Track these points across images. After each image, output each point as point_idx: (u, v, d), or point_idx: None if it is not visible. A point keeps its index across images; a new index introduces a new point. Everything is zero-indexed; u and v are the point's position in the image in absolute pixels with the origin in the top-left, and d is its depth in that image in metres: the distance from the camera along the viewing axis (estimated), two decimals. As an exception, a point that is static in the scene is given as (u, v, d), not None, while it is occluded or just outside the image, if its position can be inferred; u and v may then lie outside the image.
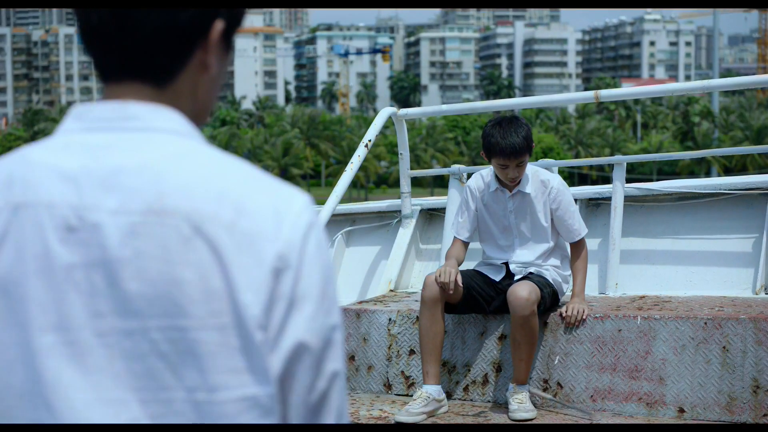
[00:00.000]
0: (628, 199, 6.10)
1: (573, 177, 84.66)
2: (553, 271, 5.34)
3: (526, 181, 5.32)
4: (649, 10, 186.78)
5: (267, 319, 1.39)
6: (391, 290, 6.36)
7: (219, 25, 1.48)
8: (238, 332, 1.38)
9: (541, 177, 5.34)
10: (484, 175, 5.47)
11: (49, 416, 1.38)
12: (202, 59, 1.49)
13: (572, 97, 6.24)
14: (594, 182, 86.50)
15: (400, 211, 6.74)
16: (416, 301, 5.89)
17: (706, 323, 4.94)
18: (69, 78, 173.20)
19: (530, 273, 5.29)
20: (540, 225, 5.33)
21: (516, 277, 5.29)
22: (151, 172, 1.40)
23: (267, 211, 1.41)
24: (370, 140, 6.25)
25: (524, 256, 5.35)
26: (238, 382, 1.39)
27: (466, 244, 5.47)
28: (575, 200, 6.19)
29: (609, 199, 6.13)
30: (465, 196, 5.52)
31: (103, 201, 1.39)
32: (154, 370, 1.38)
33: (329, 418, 1.45)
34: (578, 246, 5.37)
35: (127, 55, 1.46)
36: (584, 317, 5.21)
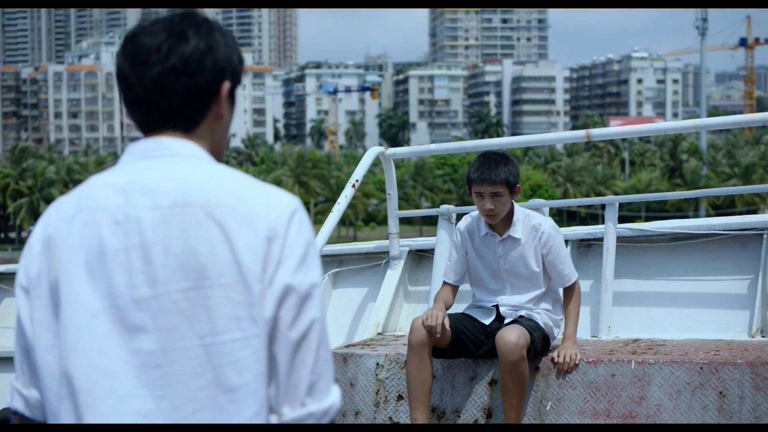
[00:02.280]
0: (621, 239, 5.99)
1: (562, 214, 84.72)
2: (545, 314, 5.21)
3: (516, 226, 5.19)
4: (636, 47, 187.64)
5: (263, 273, 1.94)
6: (379, 333, 6.23)
7: (227, 85, 2.11)
8: (241, 288, 1.94)
9: (532, 222, 5.22)
10: (475, 217, 5.34)
11: (103, 353, 1.96)
12: (216, 111, 2.11)
13: (563, 136, 6.14)
14: (583, 220, 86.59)
15: (388, 252, 6.61)
16: (404, 344, 5.75)
17: (702, 368, 4.81)
18: (58, 116, 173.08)
19: (520, 316, 5.16)
20: (531, 270, 5.20)
21: (506, 320, 5.17)
22: (176, 181, 2.00)
23: (260, 200, 1.99)
24: (357, 180, 6.14)
25: (515, 299, 5.23)
26: (238, 326, 1.94)
27: (455, 287, 5.36)
28: (566, 241, 6.08)
29: (601, 239, 6.02)
30: (455, 239, 5.40)
31: (143, 201, 1.99)
32: (174, 323, 1.94)
33: (309, 355, 1.97)
34: (570, 290, 5.25)
35: (164, 114, 2.07)
36: (577, 362, 5.08)
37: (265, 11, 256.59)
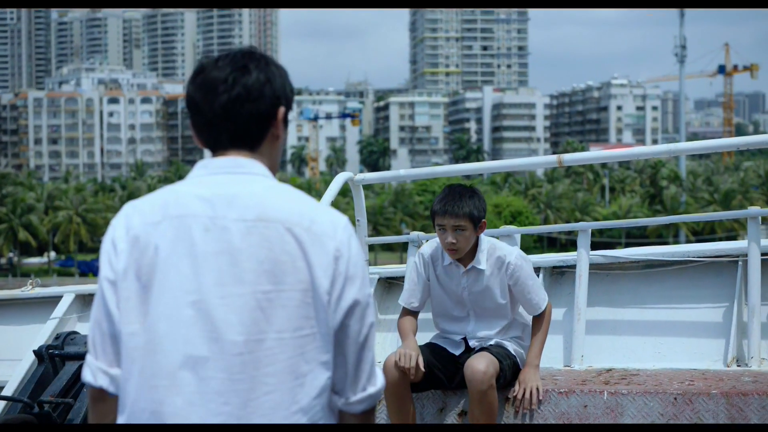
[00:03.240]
0: (594, 266, 5.86)
1: (542, 241, 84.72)
2: (515, 342, 5.08)
3: (482, 257, 5.01)
4: (615, 74, 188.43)
5: (331, 287, 2.40)
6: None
7: (282, 110, 2.55)
8: (313, 294, 2.39)
9: (497, 253, 5.03)
10: (439, 246, 5.13)
11: (190, 340, 2.35)
12: (274, 132, 2.55)
13: (536, 161, 6.01)
14: (563, 246, 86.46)
15: (357, 279, 6.47)
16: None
17: (675, 398, 4.69)
18: (38, 141, 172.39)
19: (489, 345, 5.02)
20: (496, 302, 5.04)
21: (475, 350, 5.03)
22: (255, 197, 2.42)
23: (327, 221, 2.43)
24: (325, 206, 6.00)
25: (482, 331, 5.08)
26: (308, 324, 2.39)
27: (416, 313, 5.20)
28: (537, 269, 5.95)
29: (573, 267, 5.89)
30: (417, 264, 5.18)
31: (228, 213, 2.40)
32: (256, 319, 2.36)
33: (369, 353, 2.47)
34: (540, 316, 5.08)
35: (231, 135, 2.50)
36: (539, 398, 4.92)
37: (246, 36, 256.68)
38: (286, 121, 2.60)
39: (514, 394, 4.94)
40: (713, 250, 5.74)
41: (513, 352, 5.02)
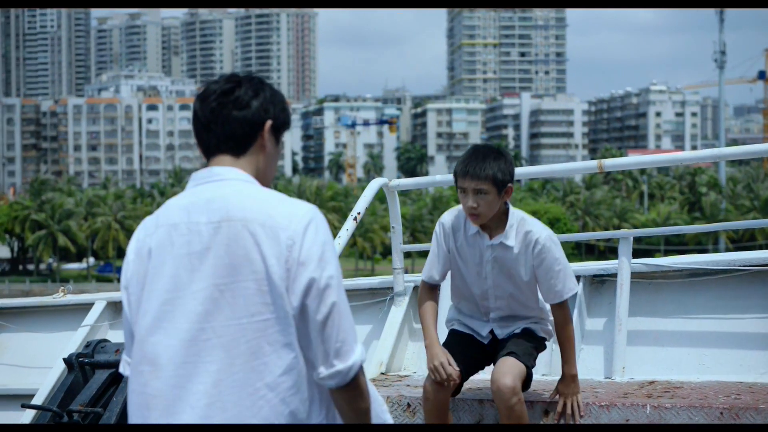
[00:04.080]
0: (635, 275, 5.67)
1: (580, 248, 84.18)
2: (541, 324, 4.82)
3: (511, 232, 4.63)
4: (654, 80, 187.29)
5: (286, 273, 2.67)
6: (382, 373, 5.93)
7: (269, 122, 2.85)
8: (268, 283, 2.67)
9: (527, 228, 4.62)
10: (463, 214, 4.73)
11: (167, 330, 2.71)
12: (261, 142, 2.84)
13: (576, 167, 5.82)
14: (601, 253, 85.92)
15: (392, 288, 6.33)
16: (408, 385, 5.48)
17: (722, 413, 4.50)
18: (77, 148, 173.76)
19: (516, 333, 4.74)
20: (520, 281, 4.65)
21: (501, 338, 4.78)
22: (224, 200, 2.73)
23: (284, 214, 2.71)
24: (359, 213, 5.87)
25: (502, 309, 4.75)
26: (266, 310, 2.67)
27: (436, 287, 4.84)
28: (577, 277, 5.77)
29: (614, 275, 5.71)
30: (437, 235, 4.77)
31: (200, 217, 2.74)
32: (220, 308, 2.68)
33: (332, 330, 2.70)
34: (561, 309, 4.68)
35: (218, 138, 2.83)
36: (582, 413, 4.70)
37: (284, 43, 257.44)
38: (277, 138, 2.90)
39: (556, 409, 4.73)
40: (759, 258, 5.52)
41: (542, 333, 4.78)
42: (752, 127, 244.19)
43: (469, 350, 4.78)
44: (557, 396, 4.76)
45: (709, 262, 5.65)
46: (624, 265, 5.57)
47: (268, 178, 2.88)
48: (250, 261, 2.68)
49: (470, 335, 4.83)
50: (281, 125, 2.90)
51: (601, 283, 5.94)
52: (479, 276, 4.71)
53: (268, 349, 2.67)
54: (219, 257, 2.70)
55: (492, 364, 4.76)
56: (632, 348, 5.53)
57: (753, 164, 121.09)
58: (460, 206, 4.72)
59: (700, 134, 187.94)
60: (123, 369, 2.94)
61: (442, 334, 4.88)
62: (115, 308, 7.27)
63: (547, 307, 4.79)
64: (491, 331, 4.81)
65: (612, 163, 5.65)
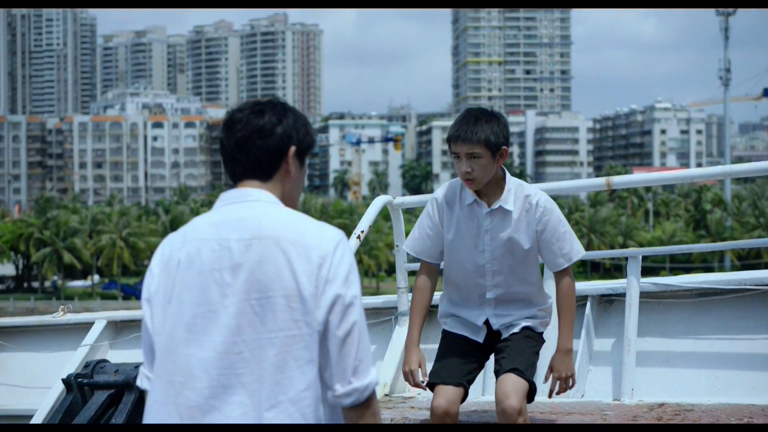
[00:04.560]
0: (644, 295, 5.56)
1: (585, 265, 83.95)
2: (539, 317, 4.63)
3: (509, 197, 4.46)
4: (659, 98, 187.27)
5: (315, 290, 2.75)
6: (386, 395, 5.82)
7: (292, 149, 2.95)
8: (298, 299, 2.75)
9: (525, 192, 4.49)
10: (457, 185, 4.59)
11: (200, 343, 2.78)
12: (285, 168, 2.95)
13: (583, 184, 5.71)
14: (607, 270, 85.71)
15: (396, 307, 6.22)
16: (412, 407, 5.37)
17: (734, 437, 4.39)
18: (83, 165, 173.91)
19: (515, 333, 4.55)
20: (521, 250, 4.47)
21: (502, 336, 4.59)
22: (255, 219, 2.83)
23: (314, 234, 2.81)
24: (362, 231, 5.77)
25: (499, 287, 4.55)
26: (293, 326, 2.75)
27: (433, 269, 4.66)
28: (584, 297, 5.67)
29: (623, 295, 5.60)
30: (429, 209, 4.60)
31: (231, 234, 2.83)
32: (251, 322, 2.76)
33: (352, 347, 2.76)
34: (567, 276, 4.52)
35: (245, 167, 2.94)
36: (571, 385, 4.53)
37: (289, 61, 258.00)
38: (302, 160, 3.00)
39: (545, 382, 4.56)
40: (771, 277, 5.42)
41: (541, 328, 4.62)
42: (757, 144, 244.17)
43: (465, 357, 4.60)
44: (551, 373, 4.56)
45: (720, 281, 5.54)
46: (633, 285, 5.46)
47: (294, 199, 3.00)
48: (281, 278, 2.77)
49: (464, 337, 4.64)
50: (305, 149, 3.01)
51: (609, 303, 5.83)
52: (476, 249, 4.53)
53: (293, 364, 2.76)
54: (251, 273, 2.79)
55: (493, 355, 4.64)
56: (641, 369, 5.41)
57: (758, 182, 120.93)
58: (452, 180, 4.61)
59: (705, 152, 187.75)
60: (141, 382, 2.98)
61: (436, 330, 4.75)
62: (115, 328, 7.18)
63: (541, 282, 4.65)
64: (486, 322, 4.61)
65: (620, 180, 5.55)
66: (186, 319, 2.82)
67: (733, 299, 5.49)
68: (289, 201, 2.97)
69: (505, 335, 4.59)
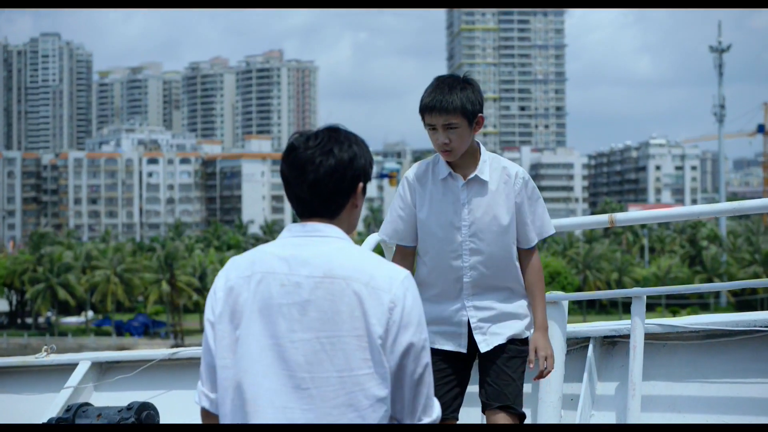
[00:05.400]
0: (649, 336, 5.31)
1: (581, 303, 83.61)
2: (525, 315, 4.39)
3: (485, 167, 4.29)
4: (654, 134, 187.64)
5: (386, 334, 2.81)
6: None
7: (361, 185, 3.00)
8: (368, 340, 2.81)
9: (502, 164, 4.32)
10: (430, 161, 4.41)
11: (267, 375, 2.82)
12: (353, 203, 3.00)
13: (587, 221, 5.46)
14: (603, 307, 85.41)
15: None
16: None
17: (746, 488, 4.15)
18: (77, 201, 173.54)
19: (500, 345, 4.30)
20: (499, 224, 4.27)
21: (480, 343, 4.32)
22: (325, 257, 2.88)
23: (385, 277, 2.86)
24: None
25: (476, 270, 4.31)
26: (366, 365, 2.80)
27: (409, 253, 4.46)
28: (587, 339, 5.44)
29: (626, 336, 5.36)
30: (400, 190, 4.41)
31: (301, 270, 2.87)
32: (320, 360, 2.81)
33: (424, 388, 2.86)
34: (533, 252, 4.38)
35: (316, 207, 2.96)
36: (551, 368, 4.37)
37: (284, 97, 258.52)
38: (365, 191, 3.02)
39: (530, 365, 4.35)
40: (782, 318, 5.18)
41: (527, 333, 4.40)
42: (752, 180, 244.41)
43: (447, 383, 4.37)
44: (536, 354, 4.35)
45: (728, 322, 5.29)
46: (637, 326, 5.20)
47: (355, 226, 3.05)
48: (353, 318, 2.81)
49: (443, 355, 4.38)
50: (369, 178, 3.05)
51: (612, 345, 5.59)
52: (452, 226, 4.30)
53: (365, 402, 2.81)
54: (322, 311, 2.83)
55: (477, 364, 4.42)
56: (647, 415, 5.17)
57: (753, 218, 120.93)
58: (425, 159, 4.43)
59: (700, 188, 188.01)
60: (200, 401, 3.01)
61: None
62: (99, 369, 6.94)
63: (519, 273, 4.41)
64: (468, 323, 4.35)
65: (623, 217, 5.31)
66: (254, 350, 2.86)
67: (742, 341, 5.26)
68: (352, 229, 3.04)
69: (488, 347, 4.34)
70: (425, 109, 4.24)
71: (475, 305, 4.36)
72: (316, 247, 2.91)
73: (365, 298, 2.83)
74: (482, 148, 4.37)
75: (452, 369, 4.39)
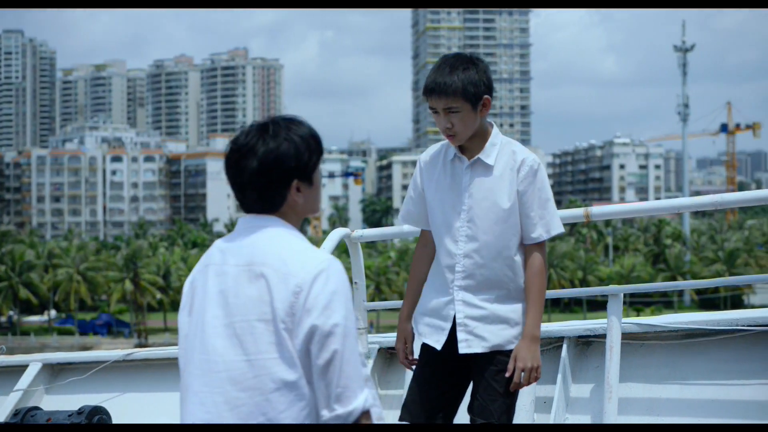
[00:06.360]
0: (626, 336, 5.06)
1: (546, 301, 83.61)
2: (513, 320, 4.07)
3: (492, 150, 4.05)
4: (618, 133, 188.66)
5: (289, 318, 2.87)
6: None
7: (295, 182, 3.02)
8: (274, 324, 2.88)
9: (513, 148, 4.08)
10: (444, 142, 4.21)
11: (193, 361, 2.99)
12: (292, 198, 3.02)
13: (562, 215, 5.14)
14: (566, 305, 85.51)
15: (355, 350, 5.72)
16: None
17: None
18: (41, 200, 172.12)
19: (484, 354, 4.03)
20: (499, 208, 4.01)
21: (461, 342, 4.04)
22: (252, 246, 2.98)
23: (298, 262, 2.91)
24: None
25: (471, 258, 4.05)
26: (272, 349, 2.88)
27: (428, 235, 4.25)
28: (560, 339, 5.21)
29: (602, 336, 5.13)
30: (415, 172, 4.25)
31: (230, 260, 3.01)
32: (234, 344, 2.91)
33: (333, 375, 2.84)
34: (541, 251, 4.08)
35: (251, 205, 3.04)
36: (536, 376, 4.04)
37: (249, 96, 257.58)
38: (311, 180, 3.05)
39: (506, 374, 4.02)
40: (766, 317, 4.95)
41: (511, 346, 4.06)
42: (714, 179, 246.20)
43: (439, 385, 4.13)
44: (515, 363, 4.02)
45: (708, 321, 5.06)
46: (614, 326, 4.96)
47: (308, 212, 3.08)
48: (262, 302, 2.89)
49: (429, 350, 4.15)
50: (311, 171, 3.06)
51: (587, 345, 5.36)
52: (454, 210, 4.07)
53: (272, 386, 2.87)
54: (239, 297, 2.93)
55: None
56: (624, 418, 4.94)
57: (716, 216, 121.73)
58: (441, 141, 4.20)
59: (663, 186, 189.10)
60: None
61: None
62: (51, 371, 6.65)
63: (520, 272, 4.10)
64: (453, 319, 4.09)
65: (599, 211, 5.06)
66: (190, 338, 3.02)
67: (722, 341, 5.03)
68: (304, 213, 3.08)
69: (468, 350, 4.06)
70: (425, 92, 4.02)
71: (465, 300, 4.09)
72: (248, 238, 3.01)
73: (274, 284, 2.89)
74: (495, 130, 4.14)
75: (436, 370, 4.16)
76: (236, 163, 3.01)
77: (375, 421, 2.94)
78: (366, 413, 2.91)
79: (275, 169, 2.98)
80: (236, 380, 2.90)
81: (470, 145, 4.10)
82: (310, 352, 2.86)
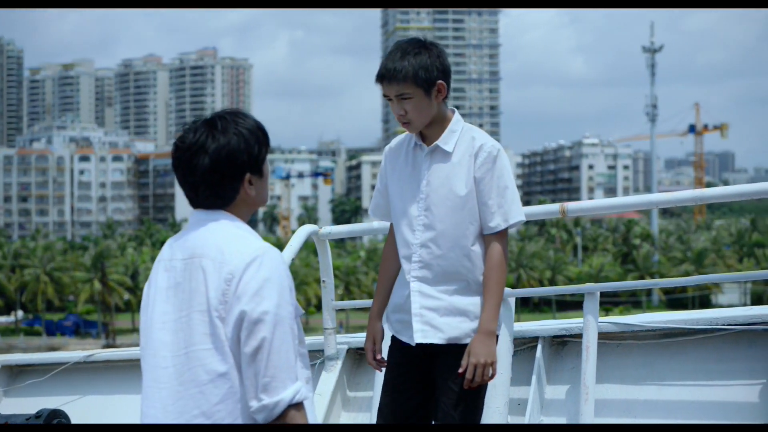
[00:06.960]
0: (602, 335, 4.92)
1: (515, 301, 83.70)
2: (471, 313, 3.90)
3: (450, 138, 3.91)
4: (587, 134, 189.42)
5: (222, 306, 2.86)
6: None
7: (247, 175, 3.02)
8: (208, 314, 2.87)
9: (473, 134, 3.92)
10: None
11: (146, 358, 2.98)
12: (245, 191, 3.02)
13: (537, 210, 5.00)
14: (536, 306, 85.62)
15: (322, 350, 5.54)
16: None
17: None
18: (7, 200, 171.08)
19: (448, 357, 3.88)
20: (455, 195, 3.86)
21: (417, 332, 3.88)
22: (195, 238, 2.98)
23: (233, 251, 2.90)
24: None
25: (427, 248, 3.90)
26: (206, 340, 2.87)
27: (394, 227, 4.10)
28: (535, 339, 5.06)
29: (578, 336, 4.99)
30: (381, 163, 4.15)
31: (177, 254, 3.01)
32: (177, 338, 2.92)
33: (261, 364, 2.80)
34: (500, 241, 3.89)
35: (201, 201, 3.03)
36: (491, 375, 3.84)
37: (218, 95, 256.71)
38: (261, 173, 3.06)
39: (459, 370, 3.83)
40: (745, 316, 4.79)
41: (466, 339, 3.89)
42: (683, 179, 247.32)
43: (413, 386, 3.99)
44: (468, 359, 3.83)
45: (687, 320, 4.92)
46: (590, 325, 4.80)
47: (261, 202, 3.07)
48: (199, 293, 2.89)
49: (403, 348, 3.99)
50: (260, 162, 3.04)
51: (562, 345, 5.21)
52: (413, 199, 3.94)
53: (205, 377, 2.85)
54: (182, 291, 2.93)
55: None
56: (601, 419, 4.79)
57: (684, 216, 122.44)
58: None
59: (632, 187, 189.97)
60: None
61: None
62: (10, 373, 6.45)
63: (480, 264, 3.92)
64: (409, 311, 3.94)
65: (575, 206, 4.90)
66: (144, 335, 3.02)
67: (701, 341, 4.89)
68: (255, 205, 3.06)
69: (423, 339, 3.90)
70: (377, 78, 3.89)
71: (421, 291, 3.93)
72: (195, 232, 3.00)
73: (210, 274, 2.88)
74: (456, 117, 3.99)
75: (411, 368, 4.00)
76: (187, 161, 2.99)
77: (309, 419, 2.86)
78: (296, 406, 2.82)
79: (228, 164, 2.96)
80: (178, 374, 2.90)
81: (429, 132, 3.96)
82: (239, 340, 2.85)
